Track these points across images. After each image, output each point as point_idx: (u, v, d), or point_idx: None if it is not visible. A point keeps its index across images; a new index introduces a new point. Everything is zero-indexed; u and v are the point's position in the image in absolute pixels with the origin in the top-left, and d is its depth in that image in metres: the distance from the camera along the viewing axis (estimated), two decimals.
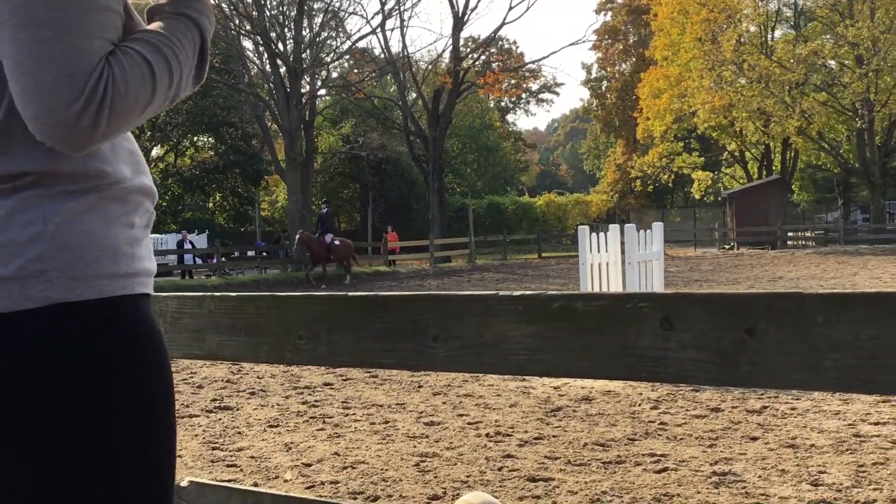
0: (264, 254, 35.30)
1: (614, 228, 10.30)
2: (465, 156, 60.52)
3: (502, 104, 68.38)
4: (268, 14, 34.08)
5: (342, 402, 7.68)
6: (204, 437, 6.43)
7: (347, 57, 43.81)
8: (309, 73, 35.34)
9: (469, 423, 6.62)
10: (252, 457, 5.82)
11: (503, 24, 47.74)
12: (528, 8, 78.82)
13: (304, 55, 34.35)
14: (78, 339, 1.36)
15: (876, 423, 6.12)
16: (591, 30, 75.25)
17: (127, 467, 1.39)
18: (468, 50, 44.40)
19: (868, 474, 4.89)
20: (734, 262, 30.75)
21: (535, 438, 6.04)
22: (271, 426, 6.81)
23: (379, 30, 38.37)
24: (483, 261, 35.45)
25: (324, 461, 5.63)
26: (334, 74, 43.29)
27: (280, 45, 34.02)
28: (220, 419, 7.15)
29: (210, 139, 50.40)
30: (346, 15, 39.10)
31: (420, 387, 8.32)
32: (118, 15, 1.36)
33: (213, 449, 6.06)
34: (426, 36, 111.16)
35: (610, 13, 65.40)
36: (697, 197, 51.68)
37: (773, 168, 48.59)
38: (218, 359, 2.10)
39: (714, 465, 5.19)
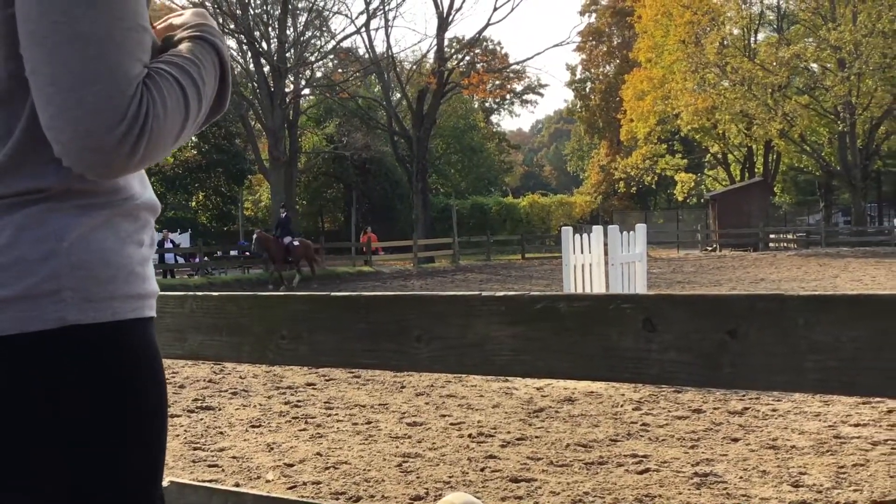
0: (247, 253, 35.17)
1: (598, 230, 10.33)
2: (450, 156, 60.54)
3: (487, 105, 68.39)
4: (252, 13, 34.01)
5: (325, 403, 7.66)
6: (185, 437, 6.41)
7: (332, 56, 43.70)
8: (293, 73, 35.30)
9: (452, 424, 6.62)
10: (234, 457, 5.80)
11: (488, 24, 47.89)
12: (512, 9, 78.57)
13: (288, 54, 34.30)
14: (91, 364, 1.32)
15: (856, 425, 6.16)
16: (576, 31, 75.56)
17: (129, 486, 1.38)
18: (453, 50, 44.41)
19: (848, 475, 4.92)
20: (716, 263, 30.88)
21: (518, 439, 6.05)
22: (253, 426, 6.79)
23: (363, 29, 38.41)
24: (467, 261, 35.48)
25: (306, 461, 5.61)
26: (318, 74, 43.26)
27: (264, 44, 33.95)
28: (201, 419, 7.13)
29: (193, 138, 50.17)
30: (331, 14, 39.11)
31: (403, 387, 8.32)
32: (150, 35, 1.30)
33: (195, 449, 6.04)
34: (411, 36, 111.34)
35: (594, 15, 65.59)
36: (680, 199, 51.92)
37: (756, 170, 48.84)
38: (200, 358, 2.09)
39: (695, 465, 5.21)
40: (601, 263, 10.17)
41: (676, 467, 5.19)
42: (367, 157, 45.78)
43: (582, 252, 9.90)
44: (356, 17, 50.35)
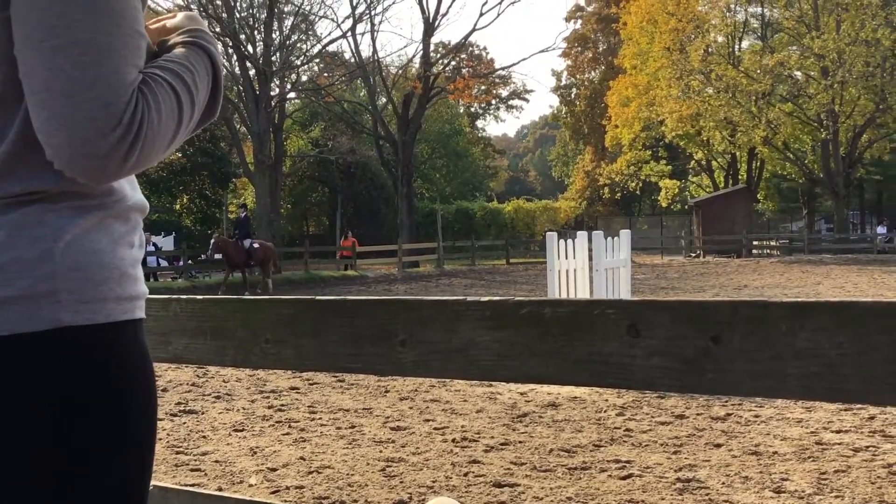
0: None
1: (582, 235, 10.35)
2: (435, 161, 60.56)
3: (472, 110, 68.43)
4: (238, 16, 33.93)
5: (308, 407, 7.65)
6: (168, 441, 6.38)
7: (317, 60, 43.64)
8: (278, 76, 35.21)
9: (435, 429, 6.61)
10: (217, 461, 5.78)
11: (473, 30, 47.85)
12: (498, 14, 78.89)
13: (273, 58, 34.21)
14: (85, 365, 1.32)
15: (838, 431, 6.19)
16: (561, 37, 75.73)
17: (121, 485, 1.39)
18: (438, 55, 44.45)
19: (830, 482, 4.95)
20: (700, 269, 31.00)
21: (502, 444, 6.05)
22: (237, 430, 6.77)
23: (349, 34, 38.36)
24: (451, 266, 35.48)
25: (289, 466, 5.60)
26: (304, 78, 43.17)
27: (250, 48, 33.87)
28: (184, 423, 7.10)
29: None
30: (317, 18, 39.13)
31: (387, 392, 8.31)
32: (146, 40, 1.31)
33: (178, 453, 6.02)
34: (397, 41, 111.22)
35: (580, 21, 65.78)
36: (664, 205, 52.08)
37: (740, 177, 49.07)
38: (183, 362, 2.08)
39: (678, 471, 5.22)
40: (586, 269, 10.19)
41: (659, 473, 5.20)
42: (352, 161, 45.76)
43: (566, 257, 9.91)
44: (342, 22, 50.54)
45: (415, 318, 1.68)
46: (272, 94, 34.59)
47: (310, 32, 39.53)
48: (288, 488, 5.10)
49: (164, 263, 32.27)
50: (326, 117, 47.86)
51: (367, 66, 39.84)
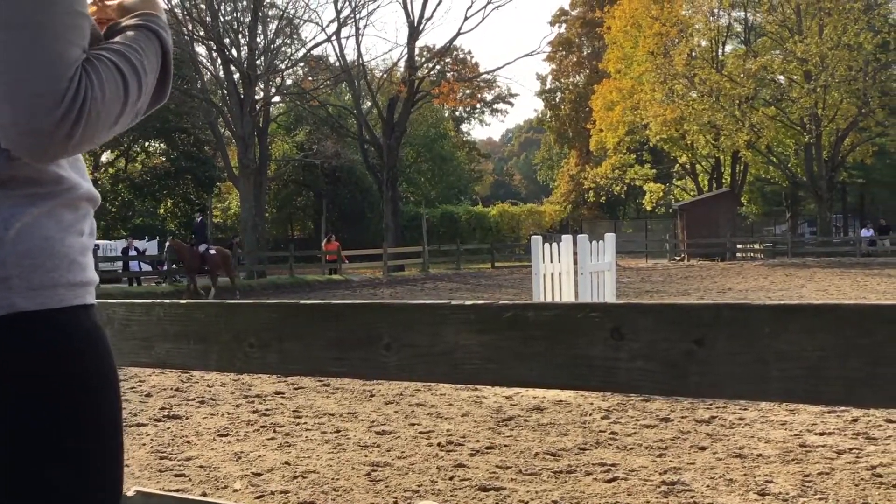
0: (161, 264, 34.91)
1: (567, 239, 10.36)
2: (420, 165, 60.58)
3: (457, 114, 68.58)
4: (222, 20, 33.86)
5: (293, 411, 7.63)
6: (152, 447, 6.35)
7: (302, 64, 43.62)
8: (263, 80, 35.16)
9: (421, 433, 6.61)
10: (201, 466, 5.75)
11: (458, 34, 47.94)
12: (483, 19, 79.26)
13: (258, 62, 34.16)
14: (42, 349, 1.35)
15: (822, 434, 6.22)
16: (546, 41, 75.75)
17: (86, 469, 1.39)
18: (423, 59, 44.49)
19: (814, 484, 4.97)
20: (685, 273, 31.10)
21: (487, 448, 6.05)
22: (221, 435, 6.74)
23: (334, 38, 38.31)
24: (436, 270, 35.48)
25: (274, 470, 5.58)
26: (289, 81, 43.14)
27: (234, 51, 33.81)
28: (168, 428, 7.07)
29: (162, 145, 49.86)
30: (301, 22, 39.09)
31: (372, 396, 8.30)
32: (88, 20, 1.33)
33: (161, 458, 5.99)
34: (381, 45, 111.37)
35: (564, 25, 65.96)
36: (649, 208, 52.26)
37: (723, 181, 49.26)
38: (167, 367, 2.07)
39: (663, 474, 5.23)
40: (570, 272, 10.21)
41: (644, 476, 5.21)
42: (337, 165, 45.71)
43: (551, 261, 9.93)
44: (327, 26, 50.55)
45: (399, 321, 1.68)
46: (257, 97, 34.54)
47: (294, 36, 39.53)
48: (273, 493, 5.08)
49: (146, 268, 32.13)
50: (311, 121, 47.81)
51: (352, 69, 39.82)
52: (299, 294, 24.93)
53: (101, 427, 1.41)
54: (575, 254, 10.12)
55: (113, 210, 45.23)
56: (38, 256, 1.34)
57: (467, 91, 51.41)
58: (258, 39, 34.73)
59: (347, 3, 37.72)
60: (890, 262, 33.91)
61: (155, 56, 1.42)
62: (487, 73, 50.92)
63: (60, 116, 1.23)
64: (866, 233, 41.43)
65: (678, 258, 41.12)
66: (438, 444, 6.18)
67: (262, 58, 34.76)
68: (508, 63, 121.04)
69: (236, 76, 33.33)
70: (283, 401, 8.19)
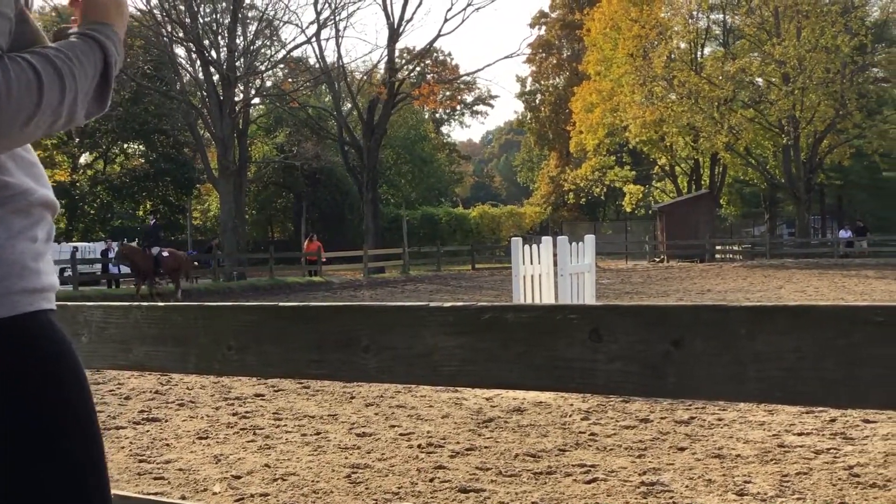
0: (195, 263, 34.81)
1: (547, 240, 10.39)
2: (400, 167, 60.54)
3: (437, 115, 68.51)
4: (201, 21, 33.71)
5: (273, 414, 7.60)
6: (130, 450, 6.31)
7: (282, 66, 43.49)
8: (242, 82, 35.03)
9: (401, 435, 6.60)
10: (180, 469, 5.73)
11: (438, 35, 47.93)
12: (462, 20, 78.75)
13: (237, 63, 34.03)
14: (2, 356, 1.34)
15: (800, 434, 6.26)
16: (526, 43, 75.96)
17: (57, 473, 1.38)
18: (403, 61, 44.43)
19: (792, 484, 5.00)
20: (664, 274, 31.22)
21: (467, 449, 6.05)
22: (200, 438, 6.71)
23: (314, 39, 38.20)
24: (417, 272, 35.48)
25: (254, 473, 5.56)
26: (268, 83, 42.99)
27: (213, 53, 33.67)
28: (147, 431, 7.03)
29: (140, 146, 49.64)
30: (281, 24, 39.01)
31: (352, 398, 8.29)
32: (8, 20, 1.33)
33: (140, 461, 5.96)
34: (361, 46, 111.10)
35: (544, 27, 66.10)
36: (629, 210, 52.46)
37: (703, 182, 49.52)
38: (145, 369, 2.06)
39: (643, 475, 5.25)
40: (550, 274, 10.23)
41: (624, 476, 5.23)
42: (317, 166, 45.63)
43: (531, 263, 9.94)
44: (307, 27, 50.38)
45: (378, 323, 1.68)
46: (236, 99, 34.42)
47: (274, 38, 39.41)
48: (252, 496, 5.07)
49: (126, 270, 31.92)
50: (291, 123, 47.71)
51: (332, 71, 39.75)
52: (279, 296, 24.86)
53: (66, 429, 1.40)
54: (555, 255, 10.14)
55: (92, 212, 44.96)
56: None
57: (447, 93, 51.35)
58: (238, 41, 34.61)
59: (327, 5, 37.64)
60: (867, 263, 34.18)
61: (91, 64, 1.42)
62: (467, 74, 50.97)
63: None
64: (844, 234, 41.77)
65: (658, 259, 41.28)
66: (419, 446, 6.17)
67: (242, 59, 34.64)
68: (488, 65, 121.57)
69: (216, 78, 33.19)
70: (263, 403, 8.17)
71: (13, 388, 1.34)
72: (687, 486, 4.99)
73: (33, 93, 1.31)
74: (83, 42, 1.42)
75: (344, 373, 1.74)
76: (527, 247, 9.94)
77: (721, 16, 46.10)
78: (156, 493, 5.06)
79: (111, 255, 31.43)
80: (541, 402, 7.70)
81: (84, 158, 48.37)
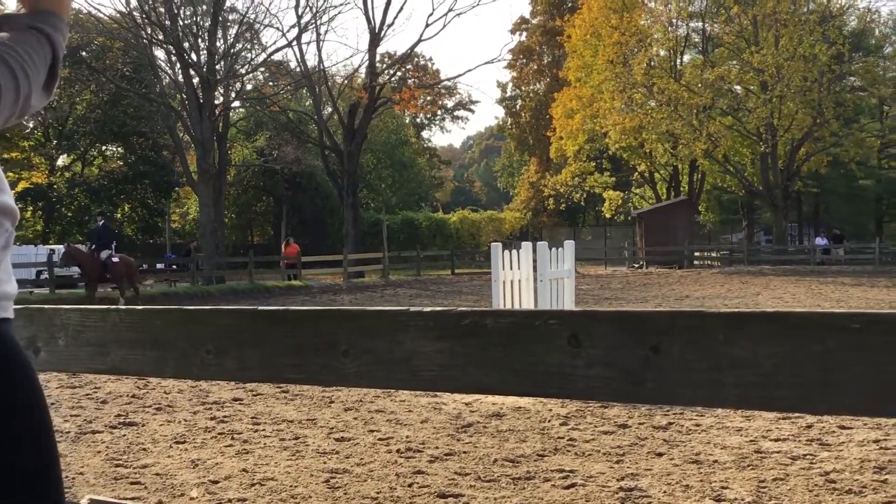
0: (174, 266, 34.65)
1: (527, 246, 10.41)
2: (380, 171, 60.51)
3: (418, 120, 68.57)
4: (181, 24, 33.57)
5: (252, 418, 7.57)
6: (107, 454, 6.27)
7: (262, 69, 43.39)
8: (223, 85, 34.91)
9: (380, 439, 6.59)
10: (157, 474, 5.69)
11: (419, 40, 47.86)
12: (444, 26, 79.33)
13: (218, 66, 33.91)
14: None
15: (776, 440, 6.30)
16: (506, 49, 76.12)
17: (15, 482, 1.38)
18: (384, 66, 44.43)
19: (769, 489, 5.03)
20: (643, 280, 31.34)
21: (446, 454, 6.05)
22: (178, 442, 6.68)
23: (295, 43, 38.10)
24: (397, 276, 35.44)
25: (232, 478, 5.54)
26: (249, 86, 42.86)
27: (193, 56, 33.52)
28: (124, 435, 6.98)
29: (119, 149, 49.38)
30: (262, 27, 38.82)
31: (331, 402, 8.26)
32: None
33: (117, 466, 5.92)
34: (343, 51, 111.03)
35: (525, 33, 66.25)
36: (608, 216, 52.59)
37: (682, 189, 49.75)
38: (121, 373, 2.05)
39: (621, 480, 5.26)
40: (530, 279, 10.24)
41: (602, 482, 5.24)
42: (297, 170, 45.52)
43: (511, 268, 9.96)
44: (288, 31, 50.25)
45: (357, 328, 1.68)
46: (216, 102, 34.28)
47: (254, 41, 39.27)
48: (230, 501, 5.04)
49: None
50: (271, 126, 47.57)
51: (313, 75, 39.66)
52: (258, 300, 24.77)
53: (24, 441, 1.40)
54: (534, 261, 10.16)
55: (69, 215, 44.66)
56: None
57: (428, 98, 51.38)
58: (218, 44, 34.49)
59: (308, 9, 37.61)
60: (844, 270, 34.44)
61: (41, 57, 1.41)
62: (448, 79, 51.06)
63: None
64: (820, 241, 42.07)
65: (637, 265, 41.42)
66: (398, 451, 6.17)
67: (222, 62, 34.53)
68: (469, 70, 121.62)
69: (195, 80, 33.05)
70: (242, 407, 8.13)
71: None
72: (664, 492, 5.01)
73: None
74: (33, 37, 1.41)
75: (323, 377, 1.74)
76: (506, 252, 9.96)
77: (700, 24, 46.35)
78: (132, 498, 5.03)
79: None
80: (520, 407, 7.70)
81: (62, 160, 48.07)
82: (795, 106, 39.62)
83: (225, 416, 7.68)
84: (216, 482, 5.44)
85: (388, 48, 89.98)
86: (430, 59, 63.57)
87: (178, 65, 33.73)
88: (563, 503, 4.84)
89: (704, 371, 1.38)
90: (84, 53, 39.63)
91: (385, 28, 39.17)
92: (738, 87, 43.44)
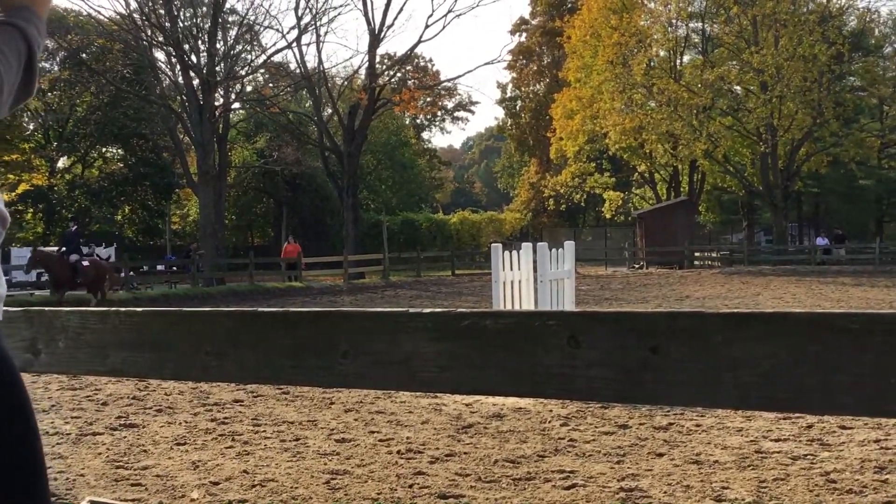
0: (174, 268, 34.65)
1: (527, 247, 10.40)
2: (380, 172, 60.48)
3: (418, 121, 68.54)
4: (181, 25, 33.60)
5: (252, 420, 7.57)
6: (108, 456, 6.27)
7: (262, 71, 43.41)
8: (223, 86, 34.92)
9: (381, 440, 6.59)
10: (158, 475, 5.69)
11: (419, 41, 48.05)
12: (443, 27, 79.35)
13: (217, 68, 33.93)
14: None
15: (777, 440, 6.29)
16: (506, 50, 76.13)
17: (5, 478, 1.38)
18: (384, 67, 44.42)
19: (769, 489, 5.02)
20: (643, 280, 31.33)
21: (447, 455, 6.05)
22: (178, 444, 6.68)
23: (295, 44, 38.13)
24: (397, 277, 35.43)
25: (232, 479, 5.54)
26: (249, 88, 42.88)
27: (193, 57, 33.55)
28: (125, 437, 6.98)
29: (119, 151, 49.37)
30: (262, 29, 38.80)
31: (332, 403, 8.26)
32: None
33: (118, 468, 5.91)
34: (342, 52, 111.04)
35: (524, 34, 66.23)
36: (608, 216, 52.58)
37: (682, 189, 49.74)
38: (122, 375, 2.05)
39: (621, 481, 5.26)
40: (530, 280, 10.24)
41: (603, 482, 5.24)
42: (297, 172, 45.52)
43: (511, 269, 9.96)
44: (287, 32, 50.20)
45: (357, 329, 1.68)
46: (216, 104, 34.30)
47: (254, 42, 39.32)
48: (231, 502, 5.04)
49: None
50: (271, 128, 47.57)
51: (313, 76, 39.67)
52: (259, 301, 24.77)
53: (5, 443, 1.39)
54: (535, 261, 10.16)
55: (70, 217, 44.64)
56: None
57: (428, 99, 51.36)
58: (218, 45, 34.52)
59: (308, 10, 37.66)
60: (844, 270, 34.43)
61: (15, 53, 1.39)
62: (448, 80, 51.02)
63: None
64: (821, 241, 42.06)
65: (637, 266, 41.41)
66: (398, 452, 6.17)
67: (222, 64, 34.55)
68: (469, 71, 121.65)
69: (195, 82, 33.08)
70: (242, 409, 8.13)
71: None
72: (665, 492, 5.01)
73: None
74: (5, 32, 1.39)
75: (323, 378, 1.74)
76: (507, 253, 9.96)
77: (700, 24, 46.35)
78: (133, 500, 5.03)
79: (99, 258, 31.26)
80: (520, 408, 7.70)
81: (62, 162, 48.06)
82: (795, 106, 39.63)
83: (225, 418, 7.68)
84: (217, 483, 5.44)
85: (388, 49, 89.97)
86: (430, 60, 63.66)
87: (178, 66, 33.76)
88: (564, 503, 4.84)
89: (704, 371, 1.38)
90: (84, 55, 39.63)
91: (385, 29, 39.21)
92: (737, 88, 43.46)
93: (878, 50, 50.71)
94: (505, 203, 74.35)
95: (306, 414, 7.79)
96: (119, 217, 48.71)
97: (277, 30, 75.36)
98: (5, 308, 1.54)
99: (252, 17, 36.66)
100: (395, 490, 5.19)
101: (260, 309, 1.85)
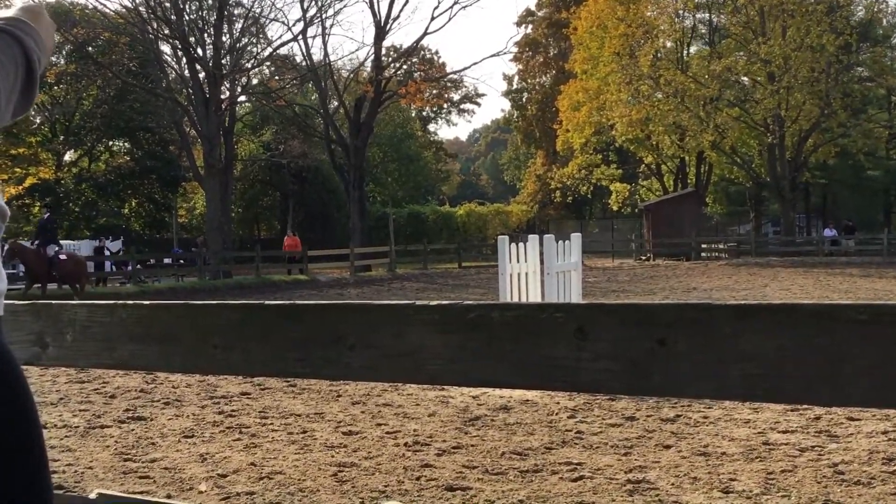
0: (181, 261, 34.71)
1: (534, 239, 10.39)
2: (387, 165, 60.46)
3: (424, 114, 68.50)
4: (187, 18, 33.59)
5: (259, 412, 7.59)
6: (116, 448, 6.29)
7: (268, 63, 43.37)
8: (229, 79, 34.92)
9: (388, 433, 6.60)
10: (166, 468, 5.71)
11: (425, 33, 47.97)
12: (450, 19, 79.24)
13: (224, 61, 33.94)
14: None
15: (784, 432, 6.29)
16: (512, 42, 75.82)
17: (6, 477, 1.39)
18: (390, 59, 44.36)
19: (777, 481, 5.02)
20: (650, 272, 31.30)
21: (454, 448, 6.05)
22: (186, 436, 6.70)
23: (300, 37, 38.11)
24: (403, 270, 35.45)
25: (240, 472, 5.55)
26: (255, 81, 42.87)
27: (199, 50, 33.56)
28: (132, 430, 7.00)
29: (126, 144, 49.42)
30: (268, 21, 38.90)
31: (339, 396, 8.28)
32: None
33: (126, 460, 5.93)
34: (348, 44, 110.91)
35: (531, 26, 66.10)
36: (615, 208, 52.54)
37: (689, 181, 49.64)
38: (129, 368, 2.06)
39: (629, 473, 5.26)
40: (537, 272, 10.23)
41: (610, 474, 5.24)
42: (303, 165, 45.55)
43: (518, 261, 9.95)
44: (293, 25, 50.20)
45: (363, 322, 1.68)
46: (222, 97, 34.31)
47: (260, 35, 39.30)
48: (238, 495, 5.06)
49: (113, 269, 31.87)
50: (278, 121, 47.58)
51: (319, 69, 39.64)
52: (265, 294, 24.80)
53: (5, 442, 1.40)
54: (541, 254, 10.15)
55: (76, 210, 44.72)
56: None
57: (434, 91, 51.25)
58: (224, 38, 34.51)
59: (314, 3, 37.57)
60: (852, 261, 34.35)
61: (13, 63, 1.38)
62: (454, 73, 50.87)
63: None
64: (829, 233, 41.92)
65: (644, 258, 41.36)
66: (405, 444, 6.17)
67: (228, 57, 34.55)
68: (475, 63, 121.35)
69: (202, 75, 33.09)
70: (249, 401, 8.15)
71: None
72: (673, 484, 5.01)
73: None
74: (1, 40, 1.38)
75: (329, 371, 1.74)
76: (513, 245, 9.95)
77: (707, 15, 46.22)
78: (141, 492, 5.04)
79: (106, 252, 31.35)
80: (527, 400, 7.71)
81: (69, 156, 48.12)
82: (803, 97, 39.48)
83: (233, 411, 7.70)
84: (224, 476, 5.46)
85: (394, 42, 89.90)
86: (436, 52, 63.31)
87: (184, 59, 33.76)
88: (571, 496, 4.84)
89: (711, 363, 1.38)
90: (90, 49, 39.63)
91: (391, 21, 39.16)
92: (745, 79, 43.34)
93: (886, 40, 50.45)
94: (511, 195, 74.29)
95: (313, 406, 7.81)
96: (126, 210, 48.75)
97: (283, 22, 75.37)
98: (8, 301, 1.54)
99: (258, 10, 36.68)
100: (403, 482, 5.20)
101: (266, 302, 1.85)
